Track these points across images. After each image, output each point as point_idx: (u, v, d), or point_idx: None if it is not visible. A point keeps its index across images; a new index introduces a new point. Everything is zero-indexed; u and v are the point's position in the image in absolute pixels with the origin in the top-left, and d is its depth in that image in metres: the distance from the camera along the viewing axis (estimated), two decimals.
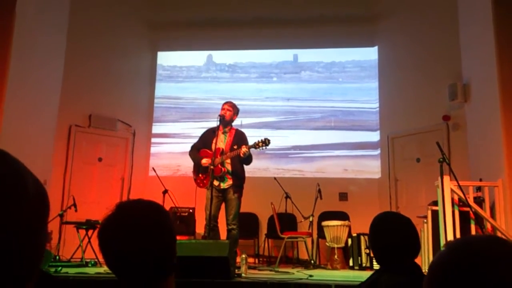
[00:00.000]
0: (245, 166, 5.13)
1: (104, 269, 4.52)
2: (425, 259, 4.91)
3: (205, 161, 5.02)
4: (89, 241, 5.48)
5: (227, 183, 5.00)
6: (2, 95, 5.35)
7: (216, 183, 4.98)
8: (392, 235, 1.91)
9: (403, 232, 1.90)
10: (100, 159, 7.46)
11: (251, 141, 5.03)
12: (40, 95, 6.23)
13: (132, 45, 8.18)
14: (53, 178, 6.67)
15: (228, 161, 5.00)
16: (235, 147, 4.97)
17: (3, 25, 5.42)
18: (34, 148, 6.07)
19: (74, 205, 5.66)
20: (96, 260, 5.23)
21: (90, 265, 5.09)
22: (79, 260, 5.31)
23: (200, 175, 5.11)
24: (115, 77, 7.78)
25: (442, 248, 0.83)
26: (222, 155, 4.98)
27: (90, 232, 5.58)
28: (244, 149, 4.81)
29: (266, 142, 4.85)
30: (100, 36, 7.62)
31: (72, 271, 4.22)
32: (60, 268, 4.23)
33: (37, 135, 6.17)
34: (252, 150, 4.91)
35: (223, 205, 5.04)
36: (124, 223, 1.17)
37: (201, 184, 5.12)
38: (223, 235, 5.01)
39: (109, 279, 3.66)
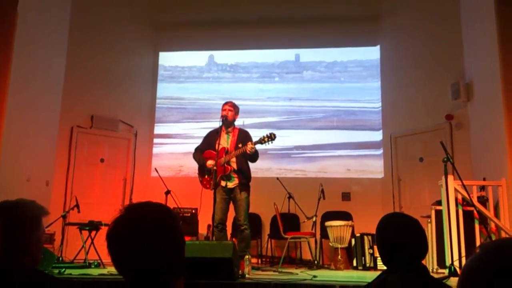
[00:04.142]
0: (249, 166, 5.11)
1: (107, 270, 4.51)
2: (429, 259, 4.90)
3: (210, 163, 4.99)
4: (92, 242, 5.46)
5: (233, 183, 4.97)
6: (4, 96, 5.35)
7: (223, 183, 4.96)
8: (399, 235, 1.90)
9: (410, 233, 1.89)
10: (102, 160, 7.46)
11: (255, 140, 5.00)
12: (42, 96, 6.23)
13: (134, 45, 8.18)
14: (56, 179, 6.67)
15: (234, 159, 4.98)
16: (240, 145, 4.95)
17: (5, 25, 5.42)
18: (36, 149, 6.08)
19: (77, 206, 5.65)
20: (99, 261, 5.23)
21: (93, 266, 5.08)
22: (82, 261, 5.30)
23: (207, 177, 5.09)
24: (117, 78, 7.78)
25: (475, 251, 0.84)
26: (227, 154, 4.96)
27: (93, 233, 5.56)
28: (250, 145, 4.78)
29: (272, 136, 4.77)
30: (101, 36, 7.62)
31: (75, 272, 4.20)
32: (63, 269, 4.21)
33: (39, 136, 6.18)
34: (257, 147, 4.87)
35: (231, 206, 5.02)
36: (133, 226, 1.16)
37: (208, 185, 5.08)
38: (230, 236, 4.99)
39: (112, 280, 3.65)
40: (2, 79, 5.35)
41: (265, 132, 4.86)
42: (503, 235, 4.55)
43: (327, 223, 6.10)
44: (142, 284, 1.14)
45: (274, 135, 4.78)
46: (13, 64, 5.43)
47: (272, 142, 4.81)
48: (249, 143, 4.83)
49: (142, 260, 1.12)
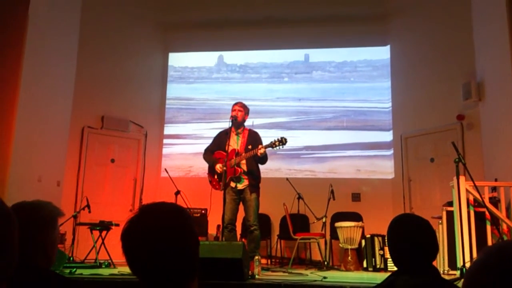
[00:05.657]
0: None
1: (118, 270, 4.54)
2: (440, 261, 4.86)
3: (219, 167, 5.00)
4: (103, 242, 5.50)
5: (243, 184, 4.97)
6: (15, 97, 5.40)
7: (232, 184, 4.96)
8: (409, 237, 1.88)
9: (421, 234, 1.88)
10: (112, 160, 7.50)
11: (264, 141, 5.00)
12: (53, 97, 6.28)
13: (144, 46, 8.22)
14: (67, 180, 6.72)
15: (244, 161, 4.98)
16: (250, 147, 4.95)
17: (16, 27, 5.47)
18: (47, 149, 6.12)
19: (88, 206, 5.69)
20: (109, 261, 5.26)
21: (104, 266, 5.11)
22: (93, 261, 5.34)
23: (216, 177, 5.10)
24: (127, 78, 7.82)
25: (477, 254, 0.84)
26: (237, 156, 4.96)
27: (103, 233, 5.60)
28: (262, 150, 4.79)
29: (283, 141, 4.78)
30: (111, 37, 7.67)
31: (86, 272, 4.23)
32: (74, 269, 4.24)
33: (50, 136, 6.22)
34: (267, 150, 4.87)
35: (241, 206, 5.02)
36: (147, 226, 1.15)
37: (217, 186, 5.08)
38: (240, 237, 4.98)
39: (123, 280, 3.67)
40: (14, 80, 5.40)
41: (274, 132, 4.87)
42: None
43: (337, 224, 6.08)
44: (157, 285, 1.13)
45: (285, 139, 4.78)
46: (24, 66, 5.48)
47: (283, 147, 4.83)
48: (260, 146, 4.83)
49: (157, 260, 1.12)
